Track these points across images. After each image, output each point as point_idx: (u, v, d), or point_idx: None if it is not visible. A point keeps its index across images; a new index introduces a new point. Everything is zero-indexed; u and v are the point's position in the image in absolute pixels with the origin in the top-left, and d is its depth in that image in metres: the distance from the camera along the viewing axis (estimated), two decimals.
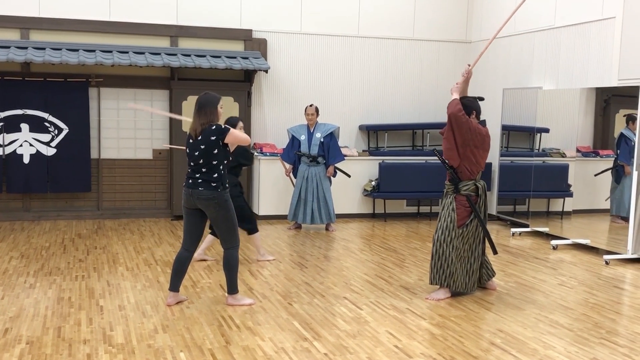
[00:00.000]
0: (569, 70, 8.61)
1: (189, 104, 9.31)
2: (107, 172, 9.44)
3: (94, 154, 9.32)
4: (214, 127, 5.12)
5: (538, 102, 8.81)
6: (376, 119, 10.34)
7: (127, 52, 8.95)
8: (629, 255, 7.19)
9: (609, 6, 7.98)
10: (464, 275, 5.63)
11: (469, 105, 5.75)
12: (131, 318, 4.95)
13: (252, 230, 6.87)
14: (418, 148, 10.48)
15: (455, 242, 5.55)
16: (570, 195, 8.57)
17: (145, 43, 9.29)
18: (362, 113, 10.32)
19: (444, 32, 10.61)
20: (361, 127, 10.30)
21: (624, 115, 7.98)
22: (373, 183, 9.74)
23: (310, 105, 8.66)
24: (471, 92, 10.95)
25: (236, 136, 5.18)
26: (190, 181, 5.18)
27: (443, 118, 10.55)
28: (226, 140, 5.11)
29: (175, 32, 9.43)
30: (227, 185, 5.20)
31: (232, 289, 5.34)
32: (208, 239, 6.91)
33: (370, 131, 10.28)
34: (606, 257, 7.22)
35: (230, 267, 5.30)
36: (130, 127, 9.47)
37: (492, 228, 9.31)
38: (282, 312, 5.17)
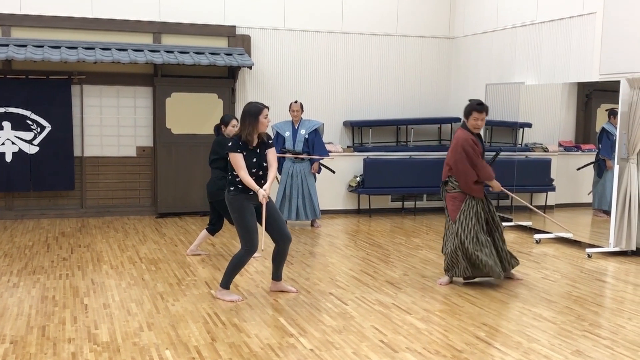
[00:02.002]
0: (551, 66, 8.68)
1: (173, 100, 9.30)
2: (91, 170, 9.38)
3: (77, 152, 9.26)
4: (231, 141, 5.30)
5: (520, 97, 8.87)
6: (360, 115, 10.36)
7: (109, 49, 8.90)
8: (611, 249, 7.27)
9: (589, 2, 8.05)
10: (494, 264, 5.79)
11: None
12: (116, 316, 4.94)
13: (210, 230, 6.93)
14: (402, 144, 10.52)
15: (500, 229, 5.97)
16: (553, 189, 8.65)
17: (128, 40, 9.24)
18: (347, 109, 10.34)
19: (427, 28, 10.64)
20: (345, 123, 10.32)
21: (606, 110, 8.06)
22: (358, 179, 9.77)
23: (295, 102, 8.66)
24: (455, 88, 11.10)
25: (233, 161, 5.23)
26: None
27: (426, 113, 10.65)
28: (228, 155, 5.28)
29: (158, 29, 9.39)
30: (231, 188, 5.28)
31: (223, 283, 5.41)
32: (202, 234, 6.99)
33: (355, 127, 10.29)
34: (588, 250, 7.30)
35: (232, 263, 5.38)
36: (114, 125, 9.43)
37: None
38: (268, 309, 5.18)
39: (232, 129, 6.77)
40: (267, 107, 5.31)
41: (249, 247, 5.31)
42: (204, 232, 7.00)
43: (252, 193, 5.24)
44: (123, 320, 4.84)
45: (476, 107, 5.84)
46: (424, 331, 4.70)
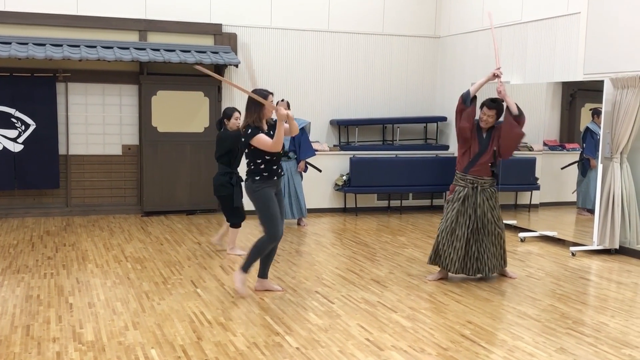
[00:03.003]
0: (536, 65, 8.74)
1: (159, 98, 9.26)
2: (76, 168, 9.33)
3: (62, 150, 9.20)
4: (244, 129, 5.33)
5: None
6: (347, 114, 10.38)
7: (95, 47, 8.84)
8: (595, 247, 7.34)
9: (574, 2, 8.11)
10: (457, 260, 5.98)
11: (502, 110, 5.98)
12: (101, 315, 4.92)
13: (235, 224, 6.94)
14: (388, 143, 10.55)
15: (500, 224, 6.06)
16: (538, 188, 8.71)
17: (114, 37, 9.20)
18: (333, 108, 10.35)
19: (413, 28, 10.68)
20: (332, 122, 10.33)
21: (590, 110, 8.12)
22: (344, 178, 9.79)
23: (282, 100, 8.64)
24: (441, 88, 11.13)
25: (259, 141, 5.25)
26: None
27: (412, 113, 10.68)
28: (251, 143, 5.27)
29: (144, 27, 9.34)
30: (256, 178, 5.33)
31: (244, 266, 5.47)
32: (224, 231, 7.12)
33: (341, 126, 10.31)
34: (572, 248, 7.36)
35: (256, 247, 5.44)
36: (99, 123, 9.38)
37: None
38: (254, 307, 5.18)
39: (235, 121, 6.83)
40: (272, 93, 5.38)
41: (273, 233, 5.36)
42: (229, 229, 7.01)
43: (275, 178, 5.38)
44: (108, 320, 4.82)
45: (488, 102, 5.96)
46: (409, 329, 4.72)
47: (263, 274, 5.63)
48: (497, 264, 6.07)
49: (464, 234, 5.93)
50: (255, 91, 5.34)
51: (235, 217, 6.90)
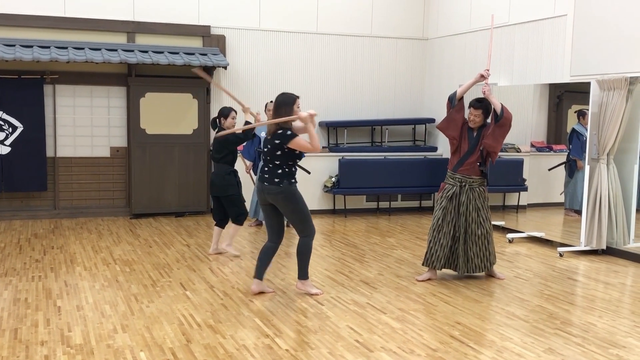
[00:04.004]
0: (523, 67, 8.79)
1: (147, 100, 9.24)
2: (64, 170, 9.29)
3: (49, 152, 9.16)
4: (281, 132, 5.35)
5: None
6: (335, 116, 10.39)
7: (82, 49, 8.81)
8: (582, 248, 7.39)
9: (560, 4, 8.17)
10: (489, 255, 6.11)
11: (489, 110, 6.03)
12: (90, 318, 4.90)
13: (238, 221, 6.97)
14: (377, 144, 10.58)
15: (485, 226, 6.06)
16: (525, 189, 8.76)
17: (102, 39, 9.17)
18: (322, 109, 10.33)
19: (401, 29, 10.71)
20: (321, 124, 10.34)
21: (575, 111, 8.18)
22: (333, 179, 9.80)
23: (271, 102, 8.60)
24: (429, 89, 11.17)
25: (299, 144, 5.36)
26: (260, 174, 5.51)
27: (401, 114, 10.72)
28: (289, 146, 5.34)
29: (132, 28, 9.32)
30: (292, 180, 5.42)
31: (303, 274, 5.60)
32: (216, 232, 7.06)
33: (330, 127, 10.32)
34: (560, 249, 7.41)
35: (302, 253, 5.56)
36: (87, 125, 9.34)
37: None
38: (244, 309, 5.18)
39: (232, 121, 6.92)
40: (298, 97, 5.49)
41: (310, 232, 5.55)
42: (217, 229, 7.06)
43: None
44: (97, 322, 4.80)
45: (474, 102, 6.06)
46: (398, 330, 4.74)
47: (260, 275, 5.63)
48: (482, 265, 6.10)
49: (450, 232, 6.01)
50: (284, 95, 5.45)
51: (243, 215, 6.96)
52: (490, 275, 6.26)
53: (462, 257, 6.04)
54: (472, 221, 6.01)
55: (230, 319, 4.93)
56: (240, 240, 7.88)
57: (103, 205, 9.49)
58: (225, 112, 6.94)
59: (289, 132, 5.35)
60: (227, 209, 6.95)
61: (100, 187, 9.48)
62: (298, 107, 5.42)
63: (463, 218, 5.99)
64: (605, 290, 5.97)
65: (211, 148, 8.07)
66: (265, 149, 5.45)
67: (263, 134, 8.52)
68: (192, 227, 8.70)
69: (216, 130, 6.99)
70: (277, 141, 5.35)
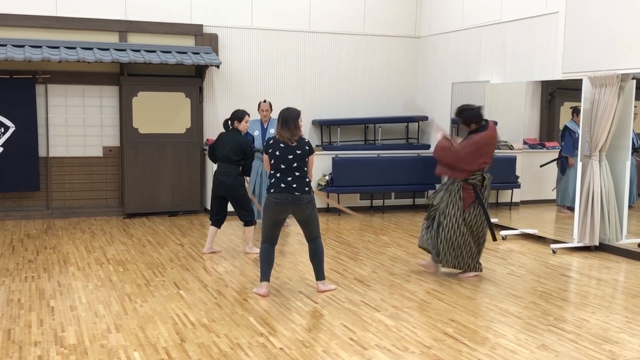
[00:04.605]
0: (516, 64, 8.81)
1: (140, 100, 9.22)
2: (56, 170, 9.26)
3: (42, 152, 9.13)
4: (307, 140, 5.57)
5: (486, 96, 8.98)
6: (329, 114, 10.39)
7: (74, 48, 8.78)
8: (575, 244, 7.41)
9: (552, 1, 8.19)
10: (468, 257, 6.10)
11: (466, 120, 6.17)
12: (83, 318, 4.89)
13: (250, 222, 7.04)
14: (370, 142, 10.59)
15: (462, 228, 6.04)
16: (518, 186, 8.79)
17: (94, 38, 9.14)
18: (315, 108, 10.36)
19: (394, 28, 10.72)
20: (314, 122, 10.34)
21: (570, 108, 8.21)
22: (327, 178, 9.80)
23: (264, 101, 8.64)
24: (422, 87, 11.18)
25: (313, 161, 5.59)
26: (284, 185, 5.43)
27: (394, 112, 10.73)
28: (310, 158, 5.53)
29: (125, 27, 9.29)
30: (312, 188, 5.57)
31: (322, 275, 5.66)
32: (211, 232, 7.06)
33: (323, 126, 10.32)
34: (553, 246, 7.43)
35: (321, 253, 5.63)
36: (79, 125, 9.31)
37: None
38: (238, 308, 5.18)
39: (246, 124, 6.99)
40: (248, 114, 5.74)
41: (320, 232, 5.68)
42: (212, 229, 7.05)
43: None
44: (90, 322, 4.79)
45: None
46: (392, 328, 4.74)
47: (268, 277, 5.63)
48: (451, 261, 6.11)
49: (431, 216, 6.22)
50: (290, 109, 5.57)
51: (251, 215, 7.02)
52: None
53: (436, 246, 6.23)
54: (445, 216, 6.12)
55: (224, 318, 4.93)
56: (234, 240, 7.88)
57: (96, 205, 9.47)
58: (240, 115, 6.97)
59: (311, 147, 5.54)
60: (237, 210, 6.99)
61: (93, 187, 9.46)
62: (301, 122, 5.60)
63: (440, 210, 6.19)
64: (598, 286, 6.00)
65: (205, 147, 8.09)
66: (291, 156, 5.41)
67: (257, 133, 8.54)
68: (185, 227, 8.69)
69: (229, 131, 7.00)
70: (307, 147, 5.48)
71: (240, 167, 6.94)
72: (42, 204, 9.25)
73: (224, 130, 7.04)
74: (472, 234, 6.10)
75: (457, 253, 6.08)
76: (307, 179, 5.49)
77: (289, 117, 5.48)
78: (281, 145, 5.43)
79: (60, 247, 7.34)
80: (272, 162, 5.46)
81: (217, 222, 7.05)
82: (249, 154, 6.91)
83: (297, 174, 5.42)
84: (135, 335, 4.53)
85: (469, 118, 6.12)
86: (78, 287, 5.73)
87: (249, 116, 7.05)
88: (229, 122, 7.01)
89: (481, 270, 6.23)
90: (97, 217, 9.33)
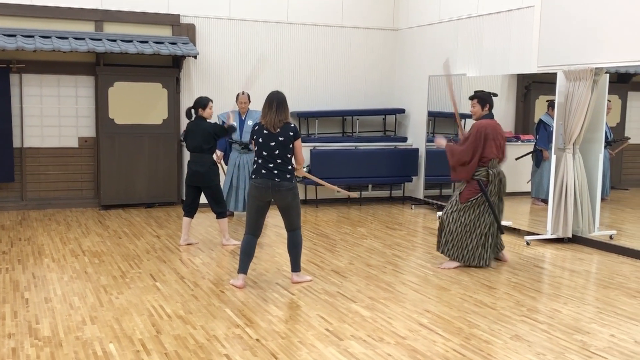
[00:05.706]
0: (492, 58, 8.88)
1: (115, 90, 9.14)
2: (31, 161, 9.16)
3: (16, 143, 9.01)
4: (293, 125, 5.46)
5: (462, 89, 9.03)
6: (307, 106, 10.39)
7: (49, 37, 8.67)
8: (548, 236, 7.51)
9: None
10: (467, 250, 6.24)
11: (484, 99, 6.36)
12: (58, 310, 4.86)
13: (222, 214, 7.02)
14: (348, 134, 10.61)
15: (454, 215, 6.25)
16: None
17: (69, 28, 9.03)
18: (293, 100, 10.27)
19: (372, 20, 10.73)
20: (292, 114, 10.31)
21: (547, 101, 8.30)
22: (304, 169, 9.79)
23: (243, 93, 8.59)
24: (400, 80, 11.21)
25: (300, 145, 5.51)
26: (264, 171, 5.41)
27: (371, 105, 10.76)
28: (295, 143, 5.45)
29: (100, 17, 9.19)
30: (295, 177, 5.51)
31: (297, 267, 5.67)
32: (185, 223, 7.03)
33: (302, 118, 10.33)
34: (527, 237, 7.53)
35: (299, 245, 5.63)
36: (55, 115, 9.21)
37: (419, 212, 9.56)
38: (214, 300, 5.18)
39: (210, 111, 6.95)
40: (212, 100, 5.68)
41: (300, 223, 5.66)
42: (186, 219, 7.02)
43: None
44: (65, 315, 4.77)
45: (470, 96, 6.48)
46: (368, 319, 4.78)
47: (246, 270, 5.62)
48: (449, 249, 6.33)
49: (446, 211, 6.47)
50: (278, 92, 5.52)
51: (223, 207, 7.02)
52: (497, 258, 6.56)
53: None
54: (449, 208, 6.39)
55: (200, 310, 4.93)
56: (211, 231, 7.87)
57: (71, 196, 9.38)
58: (204, 102, 6.92)
59: (297, 132, 5.45)
60: (210, 201, 6.97)
61: (69, 178, 9.37)
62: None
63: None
64: (570, 277, 6.09)
65: (182, 138, 8.04)
66: (273, 143, 5.38)
67: (235, 124, 8.49)
68: (162, 218, 8.65)
69: (193, 119, 6.95)
70: (291, 133, 5.39)
71: (215, 155, 6.96)
72: (16, 195, 9.15)
73: (189, 120, 7.02)
74: (475, 229, 6.20)
75: (458, 245, 6.25)
76: (290, 167, 5.45)
77: (276, 99, 5.45)
78: (264, 132, 5.42)
79: (35, 239, 7.28)
80: (256, 148, 5.48)
81: (190, 212, 7.04)
82: (220, 132, 6.85)
83: (278, 161, 5.40)
84: (111, 327, 4.52)
85: (490, 99, 6.34)
86: (53, 279, 5.69)
87: (212, 102, 6.98)
88: (192, 110, 6.98)
89: (488, 265, 6.32)
90: (73, 208, 9.25)
